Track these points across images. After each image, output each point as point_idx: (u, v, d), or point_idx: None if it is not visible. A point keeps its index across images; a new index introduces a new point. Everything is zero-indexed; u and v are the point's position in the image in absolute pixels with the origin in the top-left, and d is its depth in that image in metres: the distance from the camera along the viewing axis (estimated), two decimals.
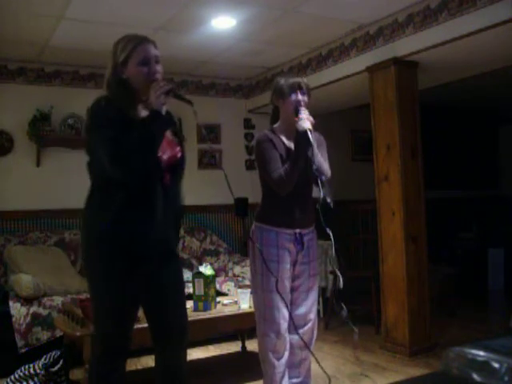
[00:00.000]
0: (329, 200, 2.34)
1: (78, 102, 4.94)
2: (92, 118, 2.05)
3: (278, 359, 2.58)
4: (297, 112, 2.49)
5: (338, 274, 2.62)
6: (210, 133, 5.42)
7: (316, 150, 2.48)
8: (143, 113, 2.09)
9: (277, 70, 5.26)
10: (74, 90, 4.95)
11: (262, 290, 2.58)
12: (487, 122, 7.51)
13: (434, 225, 4.55)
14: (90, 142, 2.08)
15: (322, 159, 2.56)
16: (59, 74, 4.91)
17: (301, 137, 2.43)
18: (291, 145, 2.56)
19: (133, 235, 2.02)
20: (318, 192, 2.43)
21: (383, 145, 4.02)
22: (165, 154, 2.09)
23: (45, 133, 4.67)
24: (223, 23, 4.01)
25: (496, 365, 0.94)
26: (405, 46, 3.84)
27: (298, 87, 2.54)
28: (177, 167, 2.17)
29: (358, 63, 4.26)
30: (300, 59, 4.94)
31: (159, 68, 2.09)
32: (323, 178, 2.45)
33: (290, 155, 2.50)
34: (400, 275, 3.87)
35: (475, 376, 0.96)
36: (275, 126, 2.66)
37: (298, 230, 2.58)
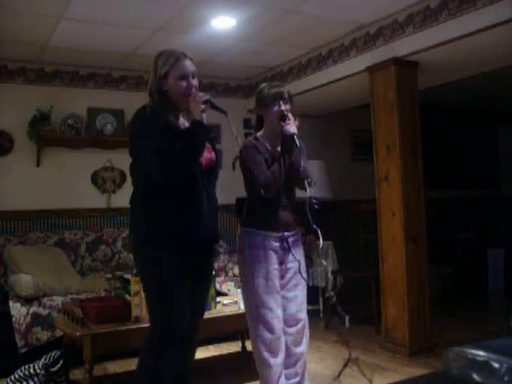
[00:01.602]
0: (314, 200, 2.46)
1: (78, 102, 4.96)
2: (138, 126, 2.24)
3: (274, 359, 2.58)
4: (283, 118, 2.58)
5: (325, 263, 2.70)
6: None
7: (302, 153, 2.60)
8: (182, 120, 2.28)
9: (277, 70, 5.27)
10: (73, 90, 4.96)
11: (252, 291, 2.62)
12: (487, 122, 7.51)
13: (434, 225, 4.55)
14: (134, 148, 2.27)
15: (306, 163, 2.66)
16: (59, 73, 4.91)
17: (287, 140, 2.54)
18: (275, 151, 2.65)
19: (184, 229, 2.21)
20: (305, 193, 2.55)
21: (383, 145, 4.02)
22: (203, 159, 2.29)
23: (45, 133, 4.67)
24: (223, 23, 4.01)
25: (496, 365, 0.94)
26: (405, 45, 3.84)
27: (280, 97, 2.61)
28: (213, 170, 2.38)
29: (357, 63, 4.26)
30: (300, 59, 4.94)
31: (195, 82, 2.29)
32: (309, 179, 2.55)
33: (276, 159, 2.57)
34: (400, 275, 3.87)
35: (475, 376, 0.96)
36: (259, 133, 2.73)
37: (283, 233, 2.65)
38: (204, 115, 2.21)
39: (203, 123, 2.17)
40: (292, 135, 2.51)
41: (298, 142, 2.51)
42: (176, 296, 2.22)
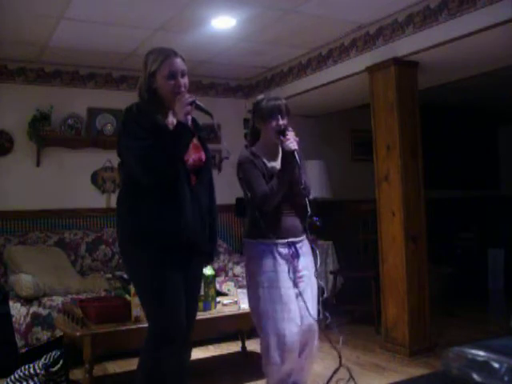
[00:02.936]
0: (316, 218, 2.48)
1: (78, 102, 4.97)
2: (124, 124, 2.23)
3: (284, 361, 2.56)
4: (283, 133, 2.56)
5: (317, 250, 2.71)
6: (210, 133, 5.42)
7: (301, 170, 2.56)
8: (171, 119, 2.25)
9: (277, 70, 5.26)
10: (73, 90, 4.96)
11: (264, 301, 2.56)
12: (487, 122, 7.51)
13: (434, 225, 4.55)
14: (121, 146, 2.25)
15: (306, 177, 2.63)
16: (59, 73, 4.91)
17: (288, 157, 2.52)
18: (272, 165, 2.63)
19: (165, 230, 2.17)
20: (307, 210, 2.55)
21: (383, 145, 4.02)
22: (190, 158, 2.25)
23: (45, 133, 4.67)
24: (223, 23, 4.01)
25: (496, 365, 0.94)
26: (405, 45, 3.84)
27: (278, 111, 2.60)
28: (202, 170, 2.33)
29: (357, 63, 4.26)
30: (300, 59, 4.94)
31: (185, 81, 2.26)
32: (310, 197, 2.57)
33: (276, 174, 2.56)
34: (400, 275, 3.87)
35: (475, 376, 0.96)
36: (254, 147, 2.69)
37: (289, 240, 2.63)
38: (189, 117, 2.19)
39: (187, 125, 2.16)
40: (293, 152, 2.50)
41: (298, 160, 2.49)
42: (167, 295, 2.20)
